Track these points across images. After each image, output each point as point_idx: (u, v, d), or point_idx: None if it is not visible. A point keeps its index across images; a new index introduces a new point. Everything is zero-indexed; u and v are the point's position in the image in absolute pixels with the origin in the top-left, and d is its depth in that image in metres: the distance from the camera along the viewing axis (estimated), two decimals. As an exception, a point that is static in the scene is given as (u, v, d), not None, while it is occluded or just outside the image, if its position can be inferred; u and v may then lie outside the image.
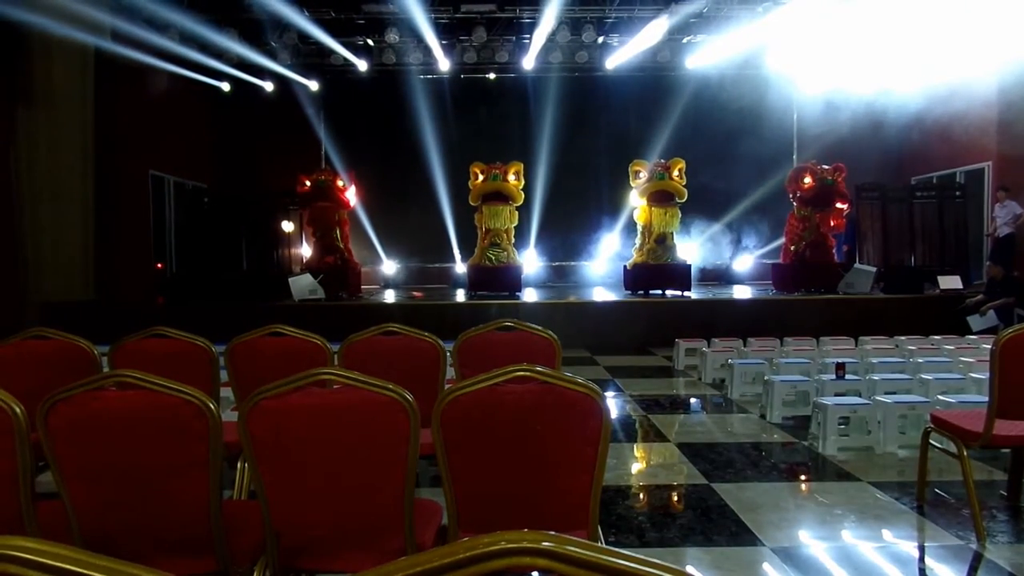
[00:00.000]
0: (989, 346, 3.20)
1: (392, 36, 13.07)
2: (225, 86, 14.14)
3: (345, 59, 13.76)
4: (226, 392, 3.78)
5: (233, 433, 2.47)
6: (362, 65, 13.90)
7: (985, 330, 7.99)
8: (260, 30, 13.08)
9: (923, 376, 5.41)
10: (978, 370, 5.45)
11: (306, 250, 11.92)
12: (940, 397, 4.75)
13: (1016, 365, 3.07)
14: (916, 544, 3.19)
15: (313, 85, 14.60)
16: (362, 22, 13.09)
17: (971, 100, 11.83)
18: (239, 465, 3.17)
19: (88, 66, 10.38)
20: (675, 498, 3.87)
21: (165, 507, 1.97)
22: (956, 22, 11.49)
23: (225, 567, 1.99)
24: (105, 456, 1.94)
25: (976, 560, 2.95)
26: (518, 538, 0.69)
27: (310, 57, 14.05)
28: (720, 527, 3.36)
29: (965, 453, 3.20)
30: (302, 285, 10.27)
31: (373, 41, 13.52)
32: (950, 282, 10.39)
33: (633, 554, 0.68)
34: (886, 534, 3.31)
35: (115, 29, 10.72)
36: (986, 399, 3.20)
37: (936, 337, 7.26)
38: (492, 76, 14.68)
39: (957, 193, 12.38)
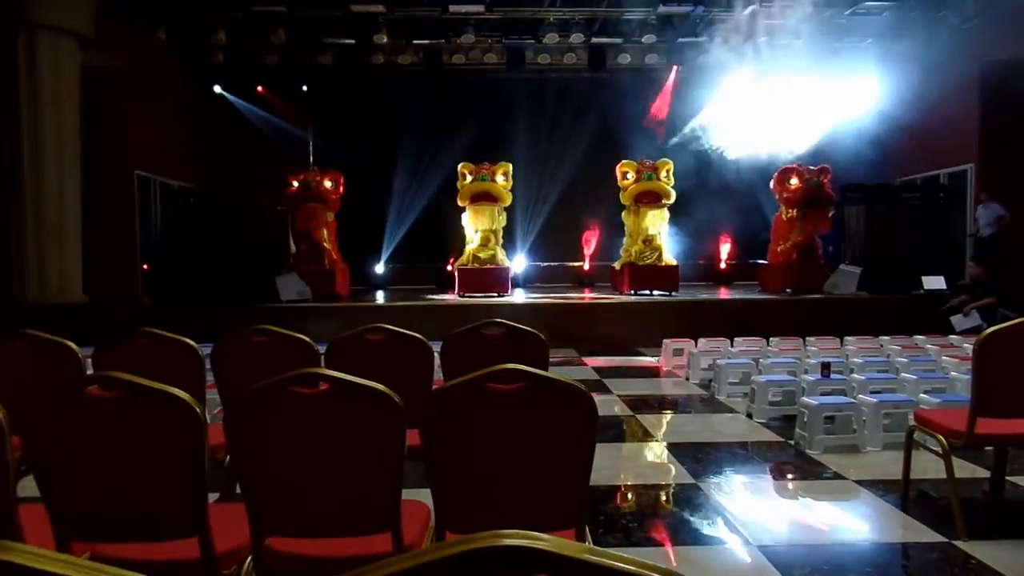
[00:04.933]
0: (971, 346, 3.23)
1: (381, 36, 13.03)
2: (214, 86, 14.03)
3: (333, 58, 13.69)
4: (212, 394, 3.75)
5: (219, 434, 2.45)
6: (351, 64, 13.83)
7: (968, 330, 8.06)
8: (248, 29, 13.01)
9: (907, 375, 5.47)
10: (961, 369, 5.50)
11: (293, 250, 11.85)
12: (924, 396, 4.80)
13: (997, 364, 3.11)
14: (900, 541, 3.22)
15: (302, 84, 14.51)
16: (350, 21, 13.03)
17: (954, 102, 11.96)
18: (225, 466, 3.15)
19: (74, 66, 10.28)
20: (663, 497, 3.89)
21: (150, 510, 1.96)
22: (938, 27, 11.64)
23: (211, 570, 1.98)
24: (89, 459, 1.92)
25: (959, 557, 2.99)
26: (504, 537, 0.69)
27: (298, 56, 13.99)
28: (707, 526, 3.38)
29: (949, 451, 3.23)
30: (289, 285, 10.22)
31: (361, 41, 13.46)
32: (934, 282, 10.49)
33: (620, 553, 0.68)
34: (871, 532, 3.34)
35: (101, 27, 10.62)
36: (969, 398, 3.23)
37: (920, 337, 7.32)
38: (481, 76, 14.67)
39: (941, 194, 12.51)
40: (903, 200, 12.25)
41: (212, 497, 2.60)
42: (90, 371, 3.10)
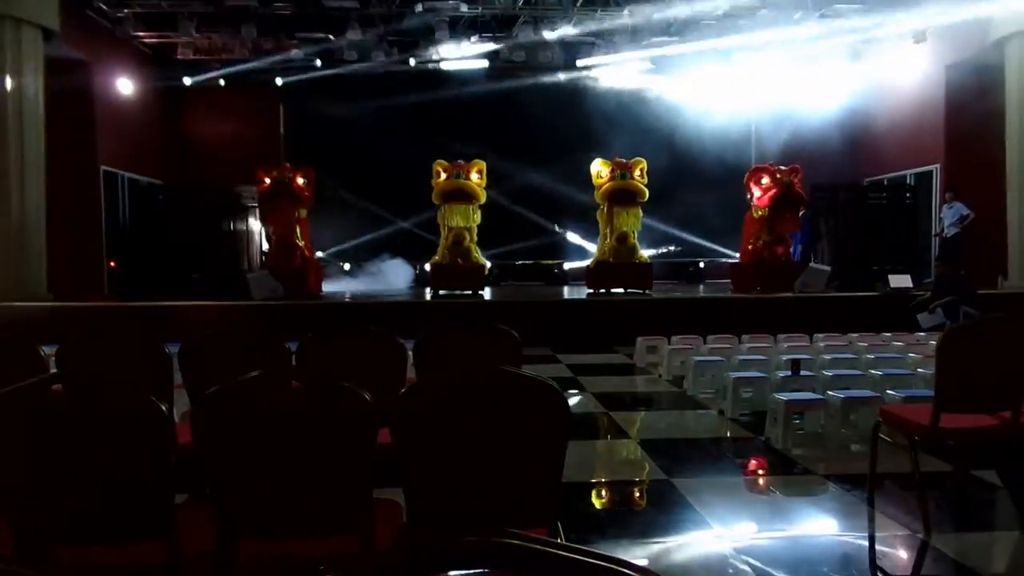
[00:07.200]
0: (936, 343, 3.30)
1: (354, 33, 12.92)
2: (183, 79, 13.79)
3: (306, 54, 13.54)
4: (181, 393, 3.69)
5: (187, 435, 2.41)
6: (323, 60, 13.69)
7: (933, 327, 8.22)
8: (218, 22, 12.81)
9: (874, 372, 5.56)
10: (926, 365, 5.61)
11: (265, 248, 11.71)
12: (890, 392, 4.88)
13: (959, 360, 3.18)
14: (867, 535, 3.28)
15: (274, 79, 14.32)
16: (323, 17, 12.90)
17: (920, 104, 12.22)
18: (194, 467, 3.09)
19: (38, 58, 10.03)
20: (636, 494, 3.91)
21: (116, 512, 1.92)
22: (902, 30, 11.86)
23: (178, 572, 1.95)
24: (51, 460, 1.88)
25: (923, 549, 3.05)
26: (477, 534, 0.69)
27: (270, 51, 13.80)
28: (679, 521, 3.41)
29: (913, 446, 3.29)
30: (261, 284, 10.09)
31: (335, 36, 13.33)
32: (900, 281, 10.69)
33: (593, 549, 0.68)
34: (838, 525, 3.40)
35: (66, 19, 10.38)
36: (933, 393, 3.30)
37: (887, 334, 7.45)
38: (455, 72, 14.60)
39: (907, 194, 12.77)
40: (871, 200, 12.47)
41: (181, 498, 2.56)
42: (54, 370, 3.03)
